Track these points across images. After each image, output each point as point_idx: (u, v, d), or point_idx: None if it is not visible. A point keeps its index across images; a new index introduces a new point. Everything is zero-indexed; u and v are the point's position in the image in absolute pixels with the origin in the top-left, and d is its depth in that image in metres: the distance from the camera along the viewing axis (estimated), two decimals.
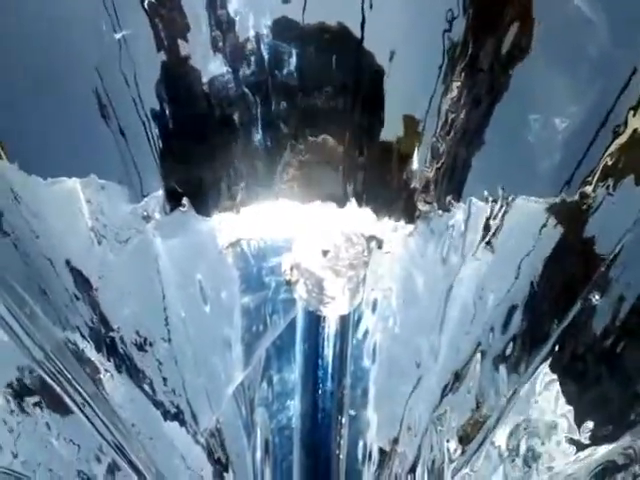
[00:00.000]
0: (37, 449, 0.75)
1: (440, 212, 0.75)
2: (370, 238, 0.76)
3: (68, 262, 0.72)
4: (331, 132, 0.73)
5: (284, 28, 0.68)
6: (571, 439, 0.79)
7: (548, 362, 0.79)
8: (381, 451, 0.87)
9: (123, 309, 0.75)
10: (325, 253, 0.66)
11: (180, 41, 0.66)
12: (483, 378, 0.82)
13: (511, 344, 0.80)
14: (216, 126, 0.71)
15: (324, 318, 0.68)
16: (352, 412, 0.83)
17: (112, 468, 0.78)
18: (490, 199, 0.74)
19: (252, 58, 0.69)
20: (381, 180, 0.76)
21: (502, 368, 0.82)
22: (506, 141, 0.72)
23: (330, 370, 0.71)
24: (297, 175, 0.74)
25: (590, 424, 0.77)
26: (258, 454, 0.86)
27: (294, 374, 0.80)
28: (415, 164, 0.74)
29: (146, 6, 0.64)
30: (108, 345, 0.76)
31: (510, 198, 0.73)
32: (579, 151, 0.71)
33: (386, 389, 0.84)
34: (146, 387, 0.78)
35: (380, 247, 0.78)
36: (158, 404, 0.79)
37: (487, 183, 0.74)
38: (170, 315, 0.77)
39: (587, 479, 0.80)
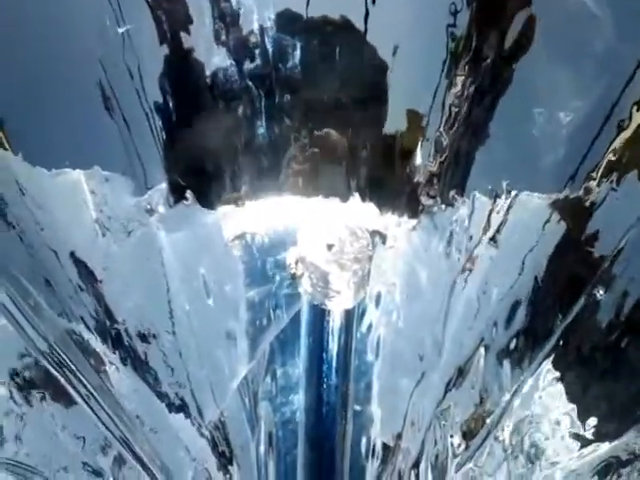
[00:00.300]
0: (42, 441, 0.75)
1: (444, 207, 0.75)
2: (374, 233, 0.76)
3: (73, 254, 0.72)
4: (335, 126, 0.73)
5: (288, 21, 0.68)
6: (575, 435, 0.79)
7: (552, 357, 0.79)
8: (384, 446, 0.87)
9: (127, 301, 0.75)
10: (330, 247, 0.66)
11: (183, 34, 0.66)
12: (487, 373, 0.82)
13: (515, 339, 0.80)
14: (220, 119, 0.71)
15: (329, 312, 0.68)
16: (358, 407, 0.83)
17: (118, 461, 0.79)
18: (494, 194, 0.74)
19: (256, 51, 0.69)
20: (384, 175, 0.76)
21: (506, 363, 0.82)
22: (510, 136, 0.72)
23: (335, 364, 0.72)
24: (301, 169, 0.74)
25: (594, 420, 0.77)
26: (262, 447, 0.86)
27: (298, 368, 0.80)
28: (419, 159, 0.74)
29: (150, 0, 0.65)
30: (113, 337, 0.76)
31: (514, 193, 0.73)
32: (583, 146, 0.70)
33: (390, 384, 0.84)
34: (151, 379, 0.79)
35: (384, 242, 0.78)
36: (163, 396, 0.80)
37: (491, 178, 0.74)
38: (174, 308, 0.77)
39: (591, 475, 0.79)
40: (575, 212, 0.73)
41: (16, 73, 0.66)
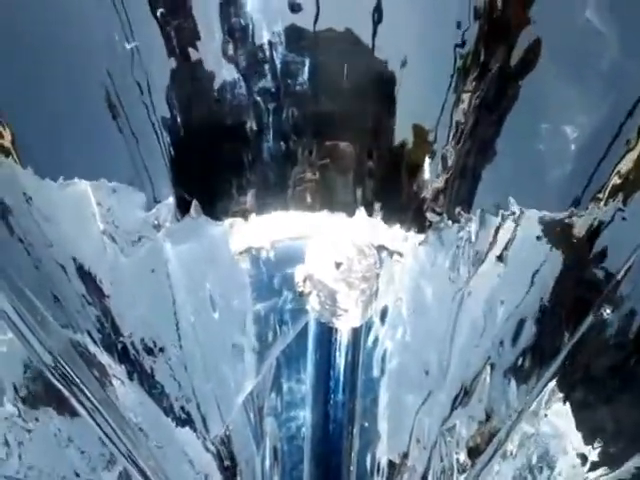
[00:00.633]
0: (46, 456, 0.75)
1: (450, 223, 0.75)
2: (380, 247, 0.76)
3: (80, 267, 0.73)
4: (342, 141, 0.73)
5: (296, 37, 0.68)
6: (582, 456, 0.78)
7: (559, 376, 0.78)
8: (390, 463, 0.86)
9: (134, 314, 0.75)
10: (338, 265, 0.66)
11: (192, 50, 0.67)
12: (493, 391, 0.82)
13: (521, 357, 0.80)
14: (227, 134, 0.72)
15: (336, 330, 0.68)
16: (366, 424, 0.82)
17: (123, 476, 0.79)
18: (501, 211, 0.73)
19: (264, 66, 0.69)
20: (391, 190, 0.76)
21: (512, 381, 0.81)
22: (517, 153, 0.72)
23: (342, 382, 0.71)
24: (308, 184, 0.75)
25: (602, 441, 0.76)
26: (267, 462, 0.85)
27: (304, 383, 0.80)
28: (425, 174, 0.74)
29: (158, 16, 0.65)
30: (119, 350, 0.76)
31: (521, 210, 0.73)
32: (590, 164, 0.70)
33: (396, 400, 0.84)
34: (156, 393, 0.79)
35: (392, 257, 0.78)
36: (168, 410, 0.80)
37: (498, 194, 0.74)
38: (180, 320, 0.77)
39: None
40: (582, 231, 0.73)
41: (27, 87, 0.67)
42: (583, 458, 0.77)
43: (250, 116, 0.71)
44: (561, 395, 0.79)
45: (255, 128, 0.71)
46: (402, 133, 0.72)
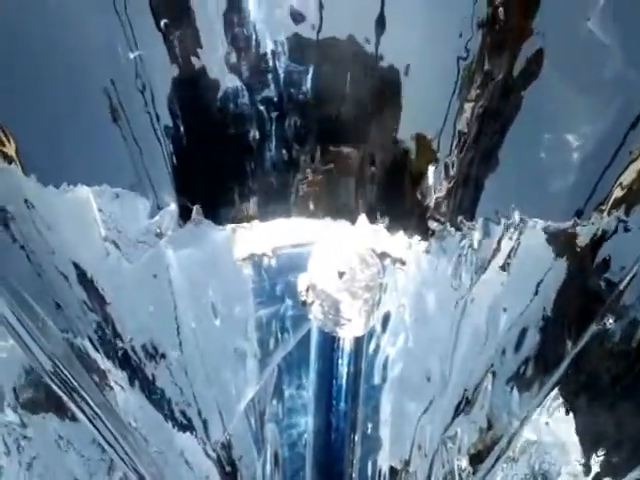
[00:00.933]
0: (46, 462, 0.76)
1: (453, 231, 0.75)
2: (383, 255, 0.77)
3: (81, 273, 0.73)
4: (345, 149, 0.73)
5: (299, 46, 0.69)
6: (584, 465, 0.78)
7: (561, 385, 0.79)
8: (392, 470, 0.86)
9: (135, 320, 0.76)
10: (341, 275, 0.66)
11: (195, 59, 0.67)
12: (495, 398, 0.82)
13: (524, 366, 0.80)
14: (230, 142, 0.72)
15: (339, 339, 0.68)
16: (367, 431, 0.83)
17: None
18: (504, 220, 0.74)
19: (267, 76, 0.70)
20: (394, 197, 0.76)
21: (514, 389, 0.81)
22: (520, 162, 0.72)
23: (344, 390, 0.72)
24: (310, 191, 0.75)
25: (604, 451, 0.77)
26: (268, 468, 0.86)
27: (305, 390, 0.80)
28: (428, 182, 0.74)
29: (161, 25, 0.66)
30: (119, 356, 0.77)
31: (524, 220, 0.73)
32: (594, 175, 0.71)
33: (397, 407, 0.84)
34: (157, 399, 0.79)
35: (395, 264, 0.78)
36: (169, 416, 0.80)
37: (501, 203, 0.74)
38: (181, 326, 0.77)
39: None
40: (585, 241, 0.73)
41: (30, 96, 0.67)
42: (585, 468, 0.77)
43: (253, 125, 0.71)
44: (563, 404, 0.79)
45: (258, 136, 0.72)
46: (405, 142, 0.72)
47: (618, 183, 0.70)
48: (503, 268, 0.76)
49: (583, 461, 0.78)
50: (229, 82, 0.69)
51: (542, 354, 0.79)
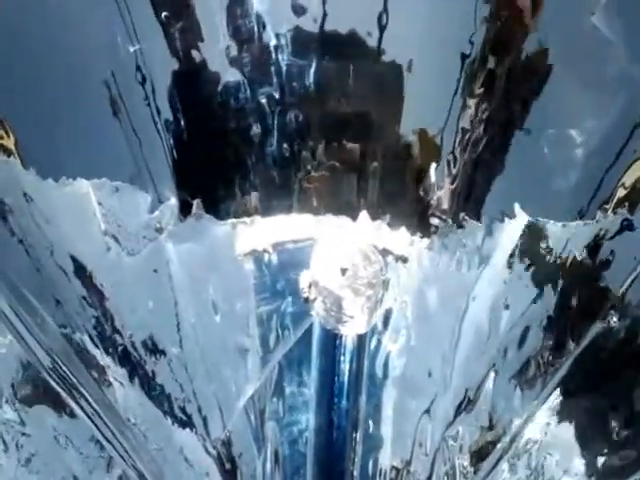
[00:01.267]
0: (44, 459, 0.76)
1: (455, 228, 0.75)
2: (385, 252, 0.77)
3: (80, 268, 0.73)
4: (347, 144, 0.73)
5: (301, 40, 0.69)
6: (586, 466, 0.78)
7: (564, 385, 0.79)
8: (393, 469, 0.86)
9: (135, 315, 0.76)
10: (344, 271, 0.66)
11: (196, 52, 0.67)
12: (497, 397, 0.82)
13: (526, 365, 0.80)
14: (231, 136, 0.72)
15: (341, 336, 0.68)
16: (369, 429, 0.83)
17: (122, 479, 0.79)
18: (507, 218, 0.74)
19: (269, 69, 0.70)
20: (396, 194, 0.76)
21: (517, 388, 0.81)
22: (524, 159, 0.72)
23: (346, 387, 0.72)
24: (312, 188, 0.75)
25: (607, 452, 0.77)
26: (268, 466, 0.86)
27: (306, 388, 0.80)
28: (431, 179, 0.74)
29: (162, 18, 0.66)
30: (119, 352, 0.77)
31: (528, 218, 0.73)
32: (598, 173, 0.71)
33: (399, 405, 0.84)
34: (157, 395, 0.79)
35: (397, 261, 0.78)
36: (168, 412, 0.80)
37: (504, 201, 0.74)
38: (182, 322, 0.77)
39: None
40: (590, 238, 0.73)
41: (29, 89, 0.68)
42: (587, 469, 0.77)
43: (254, 119, 0.71)
44: (566, 403, 0.79)
45: (259, 131, 0.72)
46: (407, 138, 0.72)
47: (622, 181, 0.70)
48: (506, 266, 0.76)
49: (585, 462, 0.78)
50: (230, 76, 0.69)
51: (544, 353, 0.79)
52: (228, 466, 0.84)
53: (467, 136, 0.71)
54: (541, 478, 0.81)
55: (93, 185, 0.69)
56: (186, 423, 0.81)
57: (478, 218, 0.75)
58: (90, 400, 0.76)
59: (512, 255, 0.76)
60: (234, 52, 0.68)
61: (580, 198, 0.72)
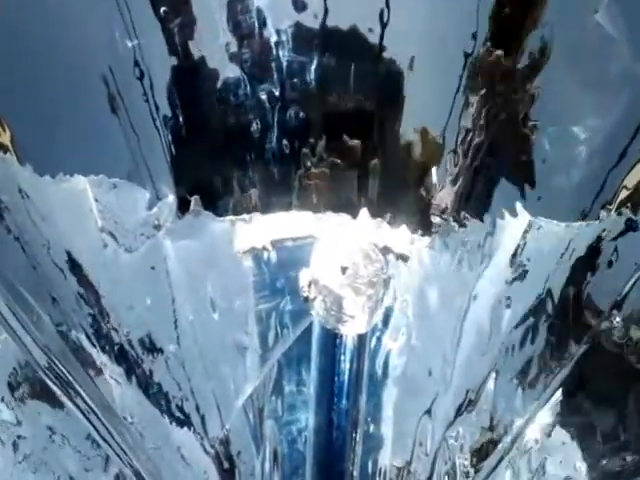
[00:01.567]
0: (40, 457, 0.76)
1: (457, 227, 0.75)
2: (385, 250, 0.77)
3: (77, 265, 0.73)
4: (348, 143, 0.73)
5: (302, 36, 0.69)
6: (588, 469, 0.78)
7: (566, 385, 0.79)
8: (394, 469, 0.86)
9: (132, 313, 0.76)
10: (344, 270, 0.66)
11: (195, 48, 0.67)
12: (498, 397, 0.82)
13: (528, 365, 0.80)
14: (231, 133, 0.72)
15: (341, 336, 0.68)
16: (370, 429, 0.83)
17: (119, 478, 0.80)
18: (510, 217, 0.74)
19: (269, 66, 0.70)
20: (397, 192, 0.76)
21: (519, 389, 0.81)
22: (526, 158, 0.72)
23: (346, 388, 0.72)
24: (312, 185, 0.75)
25: (609, 455, 0.77)
26: (267, 466, 0.86)
27: (306, 386, 0.80)
28: (432, 177, 0.74)
29: (161, 13, 0.66)
30: (115, 350, 0.77)
31: (530, 218, 0.73)
32: (601, 173, 0.70)
33: (399, 405, 0.84)
34: (154, 393, 0.79)
35: (397, 259, 0.78)
36: (166, 411, 0.80)
37: (507, 200, 0.74)
38: (179, 319, 0.77)
39: None
40: (592, 239, 0.73)
41: (26, 84, 0.68)
42: (589, 471, 0.77)
43: (254, 115, 0.71)
44: (568, 404, 0.79)
45: (259, 127, 0.72)
46: (409, 135, 0.72)
47: (626, 181, 0.70)
48: (508, 265, 0.76)
49: (587, 464, 0.78)
50: (230, 72, 0.69)
51: (546, 353, 0.79)
52: (226, 465, 0.84)
53: (469, 135, 0.71)
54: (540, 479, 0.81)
55: (90, 182, 0.69)
56: (184, 422, 0.81)
57: (480, 217, 0.75)
58: (87, 399, 0.76)
59: (514, 254, 0.76)
60: (234, 48, 0.68)
61: (583, 198, 0.72)
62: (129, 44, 0.65)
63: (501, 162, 0.72)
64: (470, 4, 0.67)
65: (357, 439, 0.77)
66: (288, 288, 0.78)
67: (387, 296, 0.76)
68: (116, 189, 0.70)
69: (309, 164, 0.74)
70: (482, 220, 0.75)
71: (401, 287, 0.79)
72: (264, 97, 0.71)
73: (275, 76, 0.70)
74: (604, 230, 0.73)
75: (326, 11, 0.68)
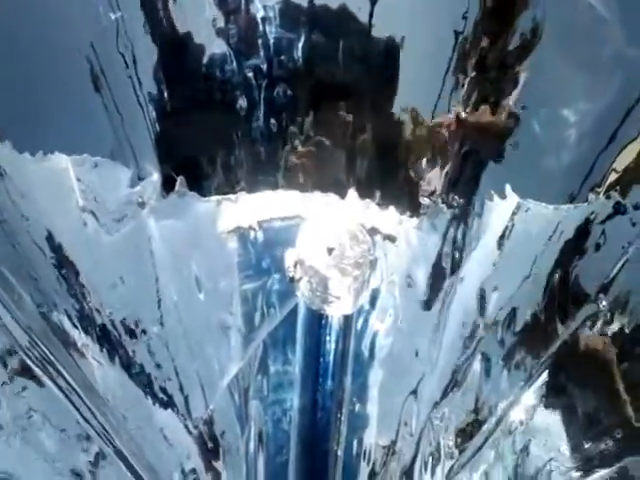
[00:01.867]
0: (21, 437, 0.76)
1: (445, 208, 0.75)
2: (373, 231, 0.77)
3: (57, 244, 0.73)
4: (336, 121, 0.73)
5: (290, 12, 0.68)
6: (571, 451, 0.79)
7: (551, 368, 0.79)
8: (379, 449, 0.87)
9: (115, 293, 0.76)
10: (330, 251, 0.66)
11: (180, 23, 0.66)
12: (484, 379, 0.83)
13: (514, 347, 0.80)
14: (216, 110, 0.71)
15: (327, 317, 0.68)
16: (355, 408, 0.83)
17: (98, 458, 0.80)
18: (498, 199, 0.73)
19: (256, 42, 0.69)
20: (386, 173, 0.76)
21: (504, 371, 0.82)
22: (516, 140, 0.71)
23: (331, 369, 0.72)
24: (299, 164, 0.75)
25: (592, 439, 0.77)
26: (252, 445, 0.86)
27: (291, 367, 0.81)
28: (421, 158, 0.74)
29: None
30: (98, 330, 0.77)
31: (519, 200, 0.73)
32: (590, 156, 0.70)
33: (385, 385, 0.85)
34: (137, 374, 0.79)
35: (385, 240, 0.78)
36: (149, 392, 0.80)
37: (495, 182, 0.73)
38: (163, 299, 0.77)
39: None
40: (580, 222, 0.73)
41: (5, 59, 0.66)
42: (573, 453, 0.78)
43: (241, 92, 0.70)
44: (553, 387, 0.80)
45: (246, 105, 0.71)
46: (399, 116, 0.72)
47: (615, 164, 0.70)
48: (495, 247, 0.76)
49: (571, 447, 0.79)
50: (216, 47, 0.68)
51: (533, 336, 0.79)
52: (210, 445, 0.85)
53: (459, 115, 0.71)
54: (527, 462, 0.82)
55: (72, 161, 0.68)
56: (167, 403, 0.81)
57: (468, 199, 0.75)
58: (69, 379, 0.76)
59: (502, 237, 0.76)
60: (220, 23, 0.67)
61: (572, 181, 0.72)
62: (112, 17, 0.64)
63: (490, 144, 0.72)
64: None
65: (342, 419, 0.77)
66: (274, 268, 0.78)
67: (374, 277, 0.77)
68: (98, 167, 0.69)
69: (296, 142, 0.73)
70: (470, 202, 0.75)
71: (388, 268, 0.79)
72: (251, 74, 0.70)
73: (262, 53, 0.69)
74: (592, 213, 0.73)
75: None
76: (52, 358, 0.75)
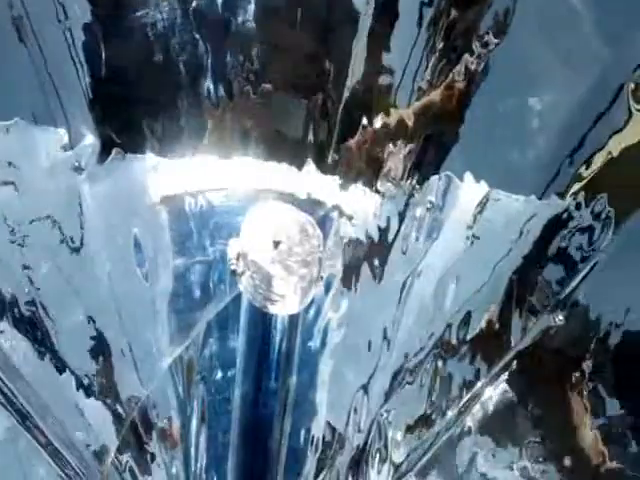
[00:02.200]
0: None
1: (407, 191, 0.72)
2: (333, 207, 0.74)
3: None
4: (291, 90, 0.70)
5: None
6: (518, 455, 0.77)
7: (507, 372, 0.77)
8: (325, 439, 0.86)
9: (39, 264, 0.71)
10: (277, 245, 0.61)
11: None
12: (436, 376, 0.80)
13: (469, 348, 0.78)
14: (157, 71, 0.68)
15: (271, 315, 0.64)
16: (304, 398, 0.81)
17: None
18: (463, 185, 0.70)
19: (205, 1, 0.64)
20: (345, 151, 0.73)
21: (457, 371, 0.79)
22: (483, 127, 0.69)
23: (274, 369, 0.69)
24: (248, 131, 0.71)
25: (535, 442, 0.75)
26: (193, 426, 0.84)
27: (236, 342, 0.77)
28: (384, 137, 0.70)
29: None
30: (16, 313, 0.72)
31: (487, 189, 0.70)
32: (558, 154, 0.67)
33: (336, 375, 0.83)
34: (47, 349, 0.75)
35: (342, 218, 0.75)
36: (71, 374, 0.76)
37: (460, 167, 0.70)
38: (94, 268, 0.73)
39: None
40: (543, 223, 0.70)
41: None
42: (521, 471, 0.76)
43: (185, 52, 0.68)
44: (508, 391, 0.78)
45: (190, 66, 0.67)
46: (359, 92, 0.69)
47: (582, 169, 0.66)
48: (459, 239, 0.73)
49: (517, 451, 0.76)
50: (162, 6, 0.65)
51: (488, 338, 0.77)
52: (141, 429, 0.81)
53: (423, 95, 0.67)
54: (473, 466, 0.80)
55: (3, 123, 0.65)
56: (94, 388, 0.77)
57: (433, 182, 0.72)
58: None
59: (468, 227, 0.73)
60: None
61: (537, 178, 0.69)
62: None
63: (457, 129, 0.68)
64: None
65: (287, 411, 0.75)
66: (214, 244, 0.75)
67: (329, 259, 0.74)
68: (11, 133, 0.64)
69: (247, 106, 0.69)
70: (435, 186, 0.71)
71: (345, 251, 0.76)
72: (197, 35, 0.67)
73: (212, 14, 0.65)
74: (556, 216, 0.69)
75: None
76: None
